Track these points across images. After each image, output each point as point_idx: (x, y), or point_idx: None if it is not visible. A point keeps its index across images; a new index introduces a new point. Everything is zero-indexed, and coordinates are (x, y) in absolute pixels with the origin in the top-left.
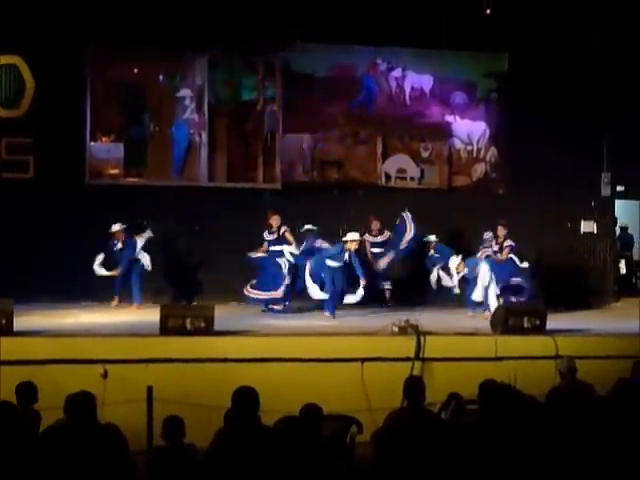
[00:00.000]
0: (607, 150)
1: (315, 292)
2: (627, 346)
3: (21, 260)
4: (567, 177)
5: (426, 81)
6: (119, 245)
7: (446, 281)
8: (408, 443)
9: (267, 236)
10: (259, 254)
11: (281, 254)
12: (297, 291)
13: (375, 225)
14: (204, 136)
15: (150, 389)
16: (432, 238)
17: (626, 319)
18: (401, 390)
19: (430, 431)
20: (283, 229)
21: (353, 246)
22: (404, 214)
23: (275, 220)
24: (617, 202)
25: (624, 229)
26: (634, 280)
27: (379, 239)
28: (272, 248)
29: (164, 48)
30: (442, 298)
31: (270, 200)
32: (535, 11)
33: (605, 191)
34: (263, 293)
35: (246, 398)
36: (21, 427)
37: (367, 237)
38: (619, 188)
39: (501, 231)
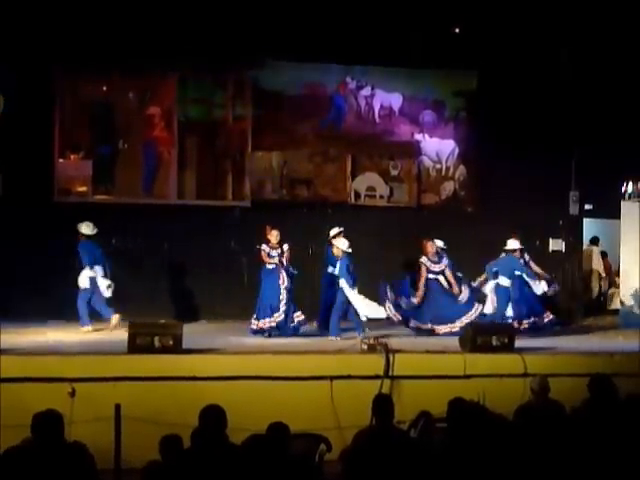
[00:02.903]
0: (575, 169)
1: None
2: (595, 364)
3: None
4: (536, 195)
5: (395, 99)
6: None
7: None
8: (377, 461)
9: (267, 249)
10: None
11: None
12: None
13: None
14: (173, 153)
15: (118, 407)
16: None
17: (594, 337)
18: (370, 408)
19: (399, 449)
20: (286, 247)
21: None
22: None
23: (274, 236)
24: (585, 220)
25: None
26: (602, 298)
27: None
28: (270, 266)
29: (134, 66)
30: None
31: (240, 217)
32: (504, 30)
33: (573, 209)
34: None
35: (213, 416)
36: None
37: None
38: (587, 206)
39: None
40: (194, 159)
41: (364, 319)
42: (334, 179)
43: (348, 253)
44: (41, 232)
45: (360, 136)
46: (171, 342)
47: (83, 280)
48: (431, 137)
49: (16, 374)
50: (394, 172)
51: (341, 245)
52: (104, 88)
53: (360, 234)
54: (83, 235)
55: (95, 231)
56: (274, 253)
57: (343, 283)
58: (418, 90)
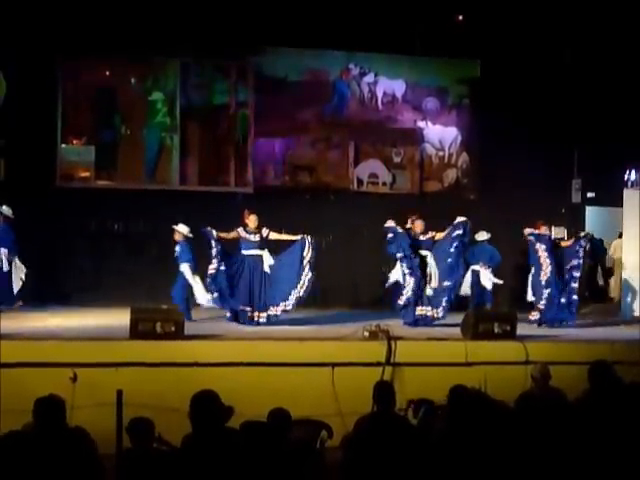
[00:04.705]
0: (578, 157)
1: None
2: (596, 352)
3: None
4: (538, 183)
5: (398, 86)
6: None
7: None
8: (378, 448)
9: (243, 233)
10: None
11: (258, 261)
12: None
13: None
14: (176, 139)
15: (120, 393)
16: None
17: (596, 325)
18: (371, 395)
19: (400, 436)
20: (265, 231)
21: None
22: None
23: (252, 220)
24: (588, 208)
25: (590, 237)
26: (604, 286)
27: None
28: (248, 252)
29: (136, 52)
30: None
31: (242, 203)
32: (507, 19)
33: (576, 197)
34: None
35: (203, 403)
36: None
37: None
38: (590, 194)
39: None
40: (196, 145)
41: (204, 305)
42: (337, 166)
43: (188, 238)
44: (44, 217)
45: (363, 123)
46: (173, 328)
47: None
48: (434, 124)
49: (18, 359)
50: (397, 159)
51: (182, 230)
52: (107, 74)
53: (362, 221)
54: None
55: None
56: (254, 238)
57: (184, 267)
58: (421, 77)
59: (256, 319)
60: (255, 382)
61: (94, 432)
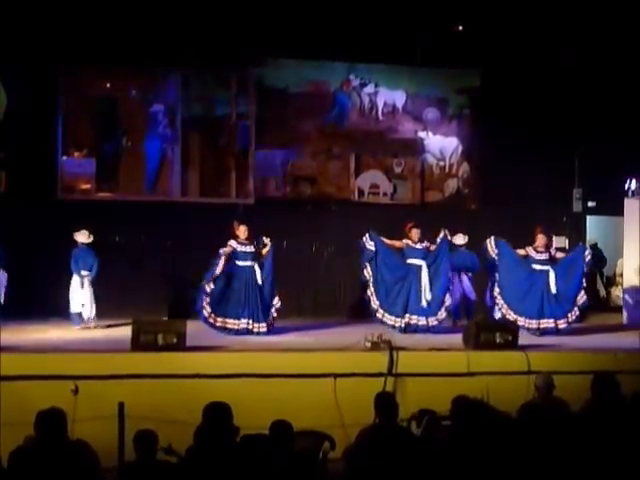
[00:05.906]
0: (579, 166)
1: None
2: (599, 362)
3: None
4: (539, 193)
5: (399, 97)
6: None
7: None
8: (380, 459)
9: (236, 245)
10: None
11: (252, 272)
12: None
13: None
14: (177, 151)
15: (121, 405)
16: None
17: (597, 335)
18: (374, 406)
19: (402, 447)
20: (267, 240)
21: None
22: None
23: (242, 231)
24: (589, 218)
25: (593, 246)
26: (605, 296)
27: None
28: (243, 263)
29: (136, 63)
30: None
31: (243, 214)
32: (507, 28)
33: (577, 207)
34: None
35: (217, 413)
36: None
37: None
38: (591, 204)
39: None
40: (197, 157)
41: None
42: (338, 176)
43: (87, 244)
44: (45, 229)
45: (364, 133)
46: (175, 340)
47: None
48: (434, 134)
49: (19, 372)
50: (398, 169)
51: (78, 238)
52: (107, 85)
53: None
54: None
55: None
56: (249, 249)
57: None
58: (421, 88)
59: (255, 330)
60: (257, 393)
61: (96, 445)
